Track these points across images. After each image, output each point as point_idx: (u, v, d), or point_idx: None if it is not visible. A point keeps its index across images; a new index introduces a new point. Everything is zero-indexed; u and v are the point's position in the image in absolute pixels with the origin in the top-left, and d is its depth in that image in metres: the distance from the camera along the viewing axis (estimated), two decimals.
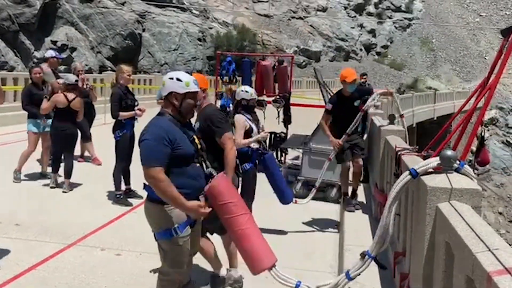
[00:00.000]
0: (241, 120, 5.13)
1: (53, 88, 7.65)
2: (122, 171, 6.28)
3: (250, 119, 5.25)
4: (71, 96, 6.67)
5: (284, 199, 5.39)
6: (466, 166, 2.58)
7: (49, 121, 6.96)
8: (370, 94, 5.88)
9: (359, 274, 2.85)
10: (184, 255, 3.03)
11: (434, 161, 2.56)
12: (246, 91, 5.30)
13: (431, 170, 2.59)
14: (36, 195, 6.40)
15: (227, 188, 2.99)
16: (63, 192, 6.55)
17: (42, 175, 7.20)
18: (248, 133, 5.15)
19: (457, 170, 2.53)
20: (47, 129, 7.01)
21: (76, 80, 6.90)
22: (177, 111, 3.01)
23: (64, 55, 26.66)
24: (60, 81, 7.19)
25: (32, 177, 7.19)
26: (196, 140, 3.08)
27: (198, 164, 3.05)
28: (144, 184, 2.97)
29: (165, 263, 3.05)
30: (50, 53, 8.48)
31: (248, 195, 5.09)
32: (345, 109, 5.78)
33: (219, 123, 3.79)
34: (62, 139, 6.73)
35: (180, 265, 3.04)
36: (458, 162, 2.53)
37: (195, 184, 2.99)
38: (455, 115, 4.28)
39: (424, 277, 2.46)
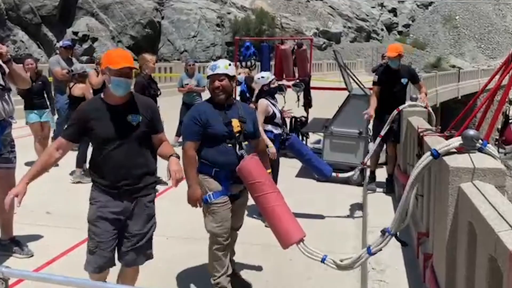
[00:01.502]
0: (263, 104, 5.13)
1: (55, 76, 7.90)
2: None
3: (274, 105, 5.24)
4: (71, 84, 6.86)
5: (324, 175, 5.42)
6: (489, 146, 2.56)
7: (46, 110, 7.23)
8: (415, 79, 5.89)
9: (380, 250, 2.91)
10: (219, 220, 3.37)
11: (456, 141, 2.55)
12: (262, 77, 5.29)
13: (453, 150, 2.58)
14: (64, 185, 6.56)
15: (256, 168, 3.26)
16: (71, 181, 6.63)
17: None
18: (271, 119, 5.14)
19: (480, 150, 2.51)
20: (45, 118, 7.21)
21: (84, 71, 7.00)
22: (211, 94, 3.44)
23: (86, 45, 27.11)
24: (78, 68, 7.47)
25: (59, 167, 7.33)
26: (234, 123, 3.35)
27: (230, 145, 3.35)
28: None
29: (206, 226, 3.46)
30: (60, 43, 8.80)
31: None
32: (391, 83, 5.74)
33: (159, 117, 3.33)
34: None
35: (218, 228, 3.39)
36: (481, 141, 2.51)
37: (224, 160, 3.34)
38: (478, 94, 4.21)
39: (447, 256, 2.47)
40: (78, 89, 6.75)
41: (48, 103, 7.35)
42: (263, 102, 5.16)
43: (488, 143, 2.58)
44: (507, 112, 4.37)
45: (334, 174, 5.43)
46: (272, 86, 5.28)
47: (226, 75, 3.36)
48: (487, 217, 1.85)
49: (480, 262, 1.95)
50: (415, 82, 5.96)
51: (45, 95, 7.30)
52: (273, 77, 5.44)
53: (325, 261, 3.04)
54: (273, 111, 5.13)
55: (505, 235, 1.66)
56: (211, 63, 3.52)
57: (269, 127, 5.13)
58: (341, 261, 3.02)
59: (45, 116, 7.24)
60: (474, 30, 46.91)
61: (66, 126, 3.07)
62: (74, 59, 8.90)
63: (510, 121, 4.47)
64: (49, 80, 7.90)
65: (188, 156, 3.34)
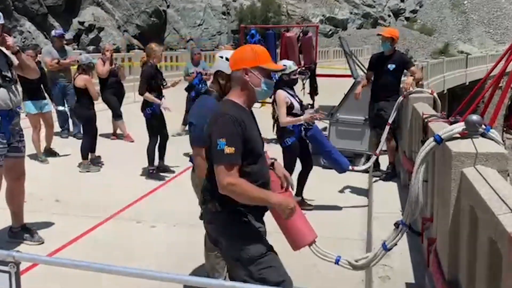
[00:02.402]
0: (282, 96, 5.00)
1: (45, 66, 7.99)
2: (157, 147, 6.44)
3: (292, 95, 5.11)
4: (76, 74, 6.89)
5: (341, 168, 5.25)
6: (493, 130, 2.57)
7: (45, 101, 7.23)
8: (407, 64, 5.77)
9: (396, 244, 2.87)
10: None
11: (459, 127, 2.56)
12: (284, 65, 5.07)
13: (457, 135, 2.59)
14: (72, 174, 6.63)
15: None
16: (80, 172, 6.71)
17: (50, 153, 7.29)
18: (289, 110, 5.02)
19: (482, 135, 2.52)
20: (47, 109, 7.22)
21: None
22: (222, 89, 3.09)
23: (92, 35, 27.12)
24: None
25: (66, 157, 7.39)
26: None
27: None
28: (190, 156, 3.29)
29: None
30: (52, 32, 8.97)
31: (288, 169, 5.02)
32: (379, 68, 5.74)
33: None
34: (78, 120, 7.05)
35: None
36: (484, 126, 2.53)
37: None
38: (482, 80, 4.18)
39: (450, 240, 2.50)
40: (80, 80, 6.71)
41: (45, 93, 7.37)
42: (280, 94, 5.00)
43: (492, 128, 2.59)
44: None
45: (350, 167, 5.38)
46: (292, 77, 5.14)
47: None
48: (487, 201, 1.87)
49: (481, 245, 1.98)
50: (407, 68, 5.80)
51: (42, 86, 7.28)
52: (296, 67, 5.25)
53: (339, 263, 2.96)
54: (291, 102, 5.04)
55: (505, 218, 1.68)
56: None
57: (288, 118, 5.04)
58: (357, 261, 2.96)
59: (46, 107, 7.25)
60: (482, 15, 46.28)
61: (226, 148, 2.29)
62: (68, 48, 8.93)
63: None
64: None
65: (204, 159, 3.01)
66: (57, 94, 8.17)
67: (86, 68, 6.82)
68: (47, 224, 4.78)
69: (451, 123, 3.34)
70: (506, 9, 46.64)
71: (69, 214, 5.08)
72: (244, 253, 2.43)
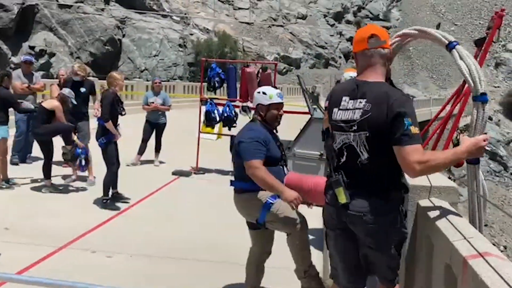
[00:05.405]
0: None
1: (14, 89, 7.86)
2: (113, 175, 6.35)
3: None
4: (49, 98, 6.87)
5: None
6: None
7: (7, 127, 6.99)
8: None
9: None
10: (291, 212, 3.41)
11: None
12: None
13: None
14: (22, 201, 6.38)
15: (295, 180, 3.47)
16: (42, 192, 6.62)
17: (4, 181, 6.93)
18: None
19: None
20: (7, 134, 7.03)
21: (69, 98, 6.92)
22: (263, 119, 3.58)
23: (43, 60, 26.50)
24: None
25: (18, 187, 7.08)
26: (281, 147, 3.62)
27: (281, 166, 3.57)
28: (231, 181, 3.58)
29: (286, 228, 3.48)
30: (22, 58, 9.00)
31: None
32: None
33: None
34: (37, 140, 6.96)
35: (295, 221, 3.42)
36: None
37: (280, 180, 3.43)
38: (431, 122, 4.51)
39: (406, 269, 2.66)
40: (50, 103, 6.73)
41: None
42: None
43: None
44: (457, 138, 4.69)
45: None
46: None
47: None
48: (443, 229, 2.05)
49: (437, 271, 2.14)
50: None
51: None
52: None
53: None
54: None
55: (459, 244, 1.85)
56: (274, 91, 3.63)
57: None
58: None
59: (8, 132, 7.03)
60: (426, 61, 49.34)
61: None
62: (36, 74, 8.80)
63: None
64: None
65: (262, 169, 3.35)
66: (21, 118, 7.99)
67: (63, 98, 6.82)
68: None
69: None
70: (447, 57, 49.89)
71: (19, 242, 4.87)
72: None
